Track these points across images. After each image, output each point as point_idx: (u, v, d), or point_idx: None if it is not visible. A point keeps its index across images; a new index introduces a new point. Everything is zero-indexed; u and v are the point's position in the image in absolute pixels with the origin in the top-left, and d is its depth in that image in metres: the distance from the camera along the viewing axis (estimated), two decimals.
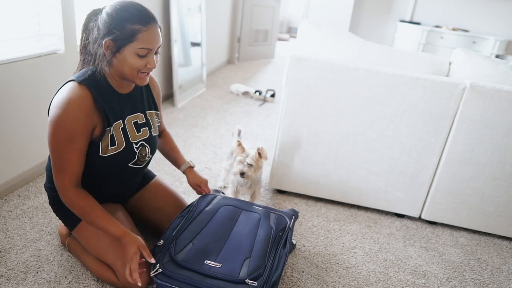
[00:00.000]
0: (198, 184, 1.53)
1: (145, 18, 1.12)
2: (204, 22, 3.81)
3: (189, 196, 1.93)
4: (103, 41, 1.11)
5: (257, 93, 3.86)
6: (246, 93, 3.90)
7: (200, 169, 2.21)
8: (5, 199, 1.71)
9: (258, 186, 1.80)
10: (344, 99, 1.79)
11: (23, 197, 1.74)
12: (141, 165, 1.36)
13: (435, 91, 1.70)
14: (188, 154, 2.40)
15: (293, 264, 1.54)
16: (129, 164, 1.30)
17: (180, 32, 3.36)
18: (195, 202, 1.46)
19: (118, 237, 1.17)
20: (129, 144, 1.27)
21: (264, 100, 3.82)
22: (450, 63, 1.82)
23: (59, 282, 1.31)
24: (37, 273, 1.33)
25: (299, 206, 1.98)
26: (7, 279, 1.29)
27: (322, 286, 1.45)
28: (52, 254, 1.43)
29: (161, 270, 1.15)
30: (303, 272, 1.51)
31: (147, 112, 1.37)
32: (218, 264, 1.18)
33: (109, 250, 1.26)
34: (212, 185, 2.06)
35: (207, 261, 1.19)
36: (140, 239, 1.18)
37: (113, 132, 1.22)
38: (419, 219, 2.02)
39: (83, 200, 1.18)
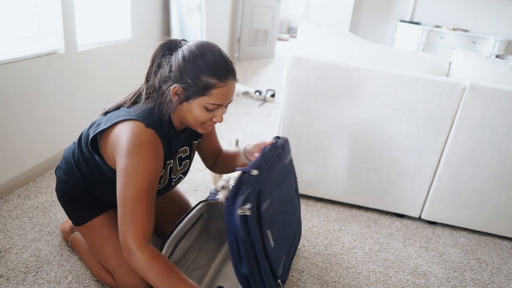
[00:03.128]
0: (257, 150, 1.25)
1: (224, 72, 1.03)
2: (204, 22, 3.81)
3: (189, 196, 1.93)
4: (172, 86, 1.03)
5: (257, 93, 3.86)
6: (246, 93, 3.90)
7: (200, 169, 2.21)
8: (5, 199, 1.71)
9: None
10: (344, 99, 1.79)
11: (23, 197, 1.74)
12: (169, 190, 1.33)
13: (435, 91, 1.70)
14: None
15: (293, 264, 1.54)
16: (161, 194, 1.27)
17: (180, 32, 3.36)
18: (280, 142, 1.27)
19: None
20: (170, 180, 1.23)
21: (264, 100, 3.82)
22: (450, 63, 1.82)
23: (59, 282, 1.31)
24: (37, 273, 1.33)
25: None
26: (7, 279, 1.29)
27: (322, 286, 1.45)
28: (52, 254, 1.43)
29: (249, 213, 0.98)
30: (303, 272, 1.51)
31: (193, 142, 1.29)
32: (272, 241, 1.07)
33: (113, 256, 1.23)
34: (211, 186, 2.06)
35: (269, 231, 1.07)
36: None
37: (162, 174, 1.16)
38: (419, 219, 2.02)
39: (160, 260, 1.00)
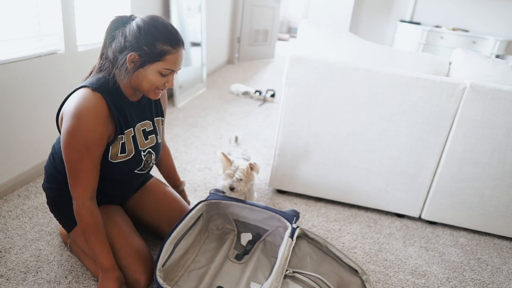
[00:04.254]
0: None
1: (176, 40, 1.15)
2: (204, 22, 3.81)
3: (189, 196, 1.93)
4: (128, 54, 1.11)
5: (257, 93, 3.86)
6: (246, 93, 3.90)
7: (200, 169, 2.22)
8: (5, 199, 1.71)
9: (250, 193, 1.77)
10: (344, 99, 1.79)
11: (23, 197, 1.74)
12: (145, 171, 1.36)
13: (435, 91, 1.70)
14: (188, 154, 2.40)
15: None
16: (135, 171, 1.31)
17: (180, 32, 3.36)
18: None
19: (105, 268, 1.16)
20: (138, 152, 1.28)
21: (264, 100, 3.82)
22: (450, 63, 1.82)
23: (59, 282, 1.31)
24: (37, 273, 1.33)
25: (299, 206, 1.98)
26: (7, 279, 1.29)
27: None
28: (52, 254, 1.43)
29: None
30: None
31: (154, 119, 1.37)
32: None
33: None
34: (212, 185, 2.06)
35: None
36: (122, 277, 1.19)
37: (124, 140, 1.22)
38: (419, 219, 2.02)
39: (93, 218, 1.16)
